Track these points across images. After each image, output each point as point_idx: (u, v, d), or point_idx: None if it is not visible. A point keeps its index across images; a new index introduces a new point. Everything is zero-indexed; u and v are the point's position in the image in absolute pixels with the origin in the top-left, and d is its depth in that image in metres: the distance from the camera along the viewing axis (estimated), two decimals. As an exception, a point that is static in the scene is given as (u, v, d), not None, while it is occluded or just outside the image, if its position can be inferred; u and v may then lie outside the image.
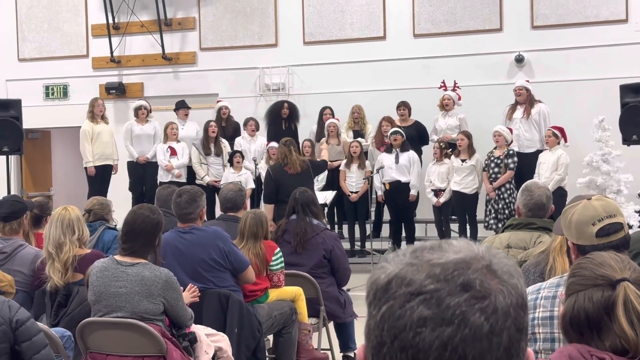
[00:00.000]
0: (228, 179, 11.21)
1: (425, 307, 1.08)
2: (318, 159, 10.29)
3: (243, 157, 11.72)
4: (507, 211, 10.55)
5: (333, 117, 12.12)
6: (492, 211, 10.76)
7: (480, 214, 11.11)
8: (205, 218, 5.81)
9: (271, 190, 9.13)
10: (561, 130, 10.83)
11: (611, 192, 10.80)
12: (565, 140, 10.90)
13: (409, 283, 1.10)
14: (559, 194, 9.80)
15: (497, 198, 10.72)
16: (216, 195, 10.07)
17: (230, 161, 11.65)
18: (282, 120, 12.34)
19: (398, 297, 1.10)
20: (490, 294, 1.09)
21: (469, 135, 11.12)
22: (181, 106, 12.63)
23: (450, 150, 11.34)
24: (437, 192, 11.23)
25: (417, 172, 11.29)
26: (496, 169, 10.79)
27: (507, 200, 10.61)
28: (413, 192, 11.28)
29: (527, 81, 11.63)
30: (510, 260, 1.16)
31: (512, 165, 10.72)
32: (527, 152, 11.20)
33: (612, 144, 11.04)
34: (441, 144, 11.34)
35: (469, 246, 1.15)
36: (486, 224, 10.81)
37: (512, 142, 11.04)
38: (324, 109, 12.35)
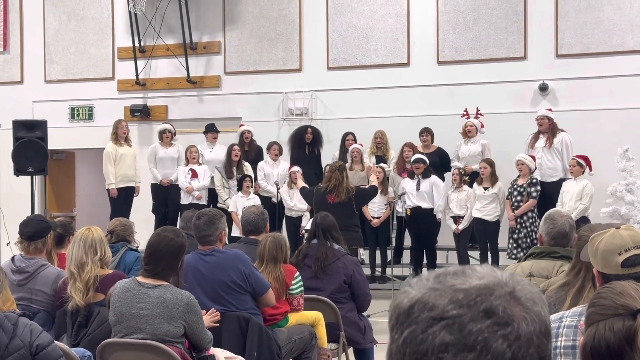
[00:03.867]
0: (237, 203, 11.24)
1: (448, 332, 1.07)
2: (367, 185, 10.29)
3: (252, 182, 11.72)
4: (528, 240, 10.48)
5: (355, 142, 12.13)
6: (515, 239, 10.69)
7: (502, 242, 11.04)
8: (226, 240, 5.81)
9: (308, 194, 9.74)
10: (585, 159, 10.73)
11: (635, 222, 10.70)
12: (590, 169, 10.79)
13: (432, 308, 1.10)
14: (582, 223, 9.70)
15: (519, 227, 10.65)
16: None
17: (240, 185, 11.65)
18: (305, 145, 12.37)
19: (420, 321, 1.09)
20: (514, 321, 1.08)
21: (491, 164, 11.06)
22: (210, 129, 12.67)
23: (468, 177, 11.31)
24: (456, 219, 11.20)
25: (440, 196, 11.24)
26: (519, 197, 10.73)
27: (529, 229, 10.54)
28: (439, 215, 11.26)
29: (550, 110, 11.57)
30: (534, 288, 1.15)
31: (534, 194, 10.65)
32: (550, 181, 11.10)
33: (636, 173, 10.98)
34: (461, 171, 11.31)
35: (493, 272, 1.14)
36: (508, 252, 10.73)
37: (535, 169, 10.97)
38: (346, 134, 12.36)
